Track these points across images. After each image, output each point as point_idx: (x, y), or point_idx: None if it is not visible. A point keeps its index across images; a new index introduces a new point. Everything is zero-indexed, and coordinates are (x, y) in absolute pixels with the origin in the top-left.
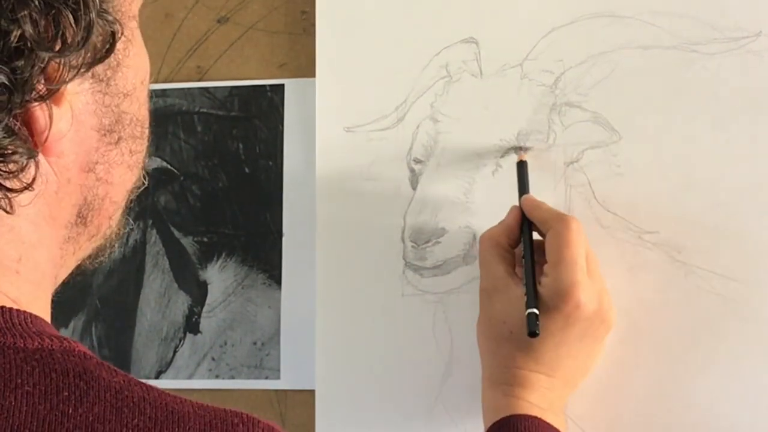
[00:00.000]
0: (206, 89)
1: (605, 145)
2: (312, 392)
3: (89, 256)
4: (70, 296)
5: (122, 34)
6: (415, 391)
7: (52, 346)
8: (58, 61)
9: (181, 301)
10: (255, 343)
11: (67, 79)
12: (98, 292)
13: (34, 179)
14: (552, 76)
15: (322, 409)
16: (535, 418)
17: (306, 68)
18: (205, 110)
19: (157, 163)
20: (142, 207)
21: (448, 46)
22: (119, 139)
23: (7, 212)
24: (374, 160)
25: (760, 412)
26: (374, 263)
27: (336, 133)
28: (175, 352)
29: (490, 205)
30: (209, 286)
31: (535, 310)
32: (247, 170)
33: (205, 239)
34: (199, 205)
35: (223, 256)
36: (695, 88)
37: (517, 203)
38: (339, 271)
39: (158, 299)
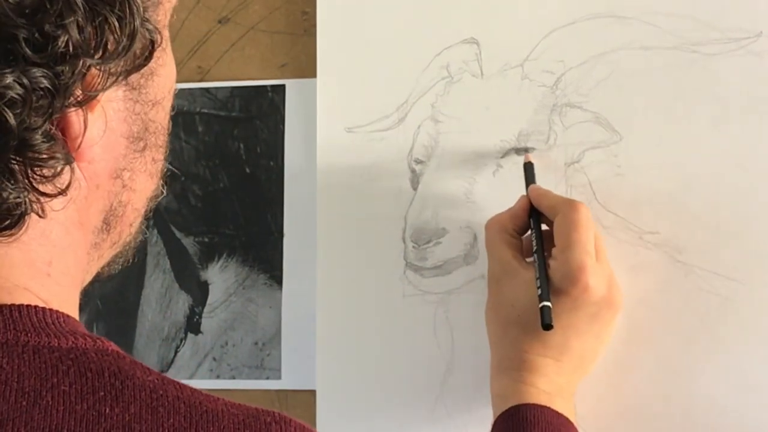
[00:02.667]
0: (207, 90)
1: (606, 145)
2: (313, 392)
3: (108, 263)
4: None
5: (160, 43)
6: (416, 392)
7: (86, 345)
8: (99, 67)
9: (182, 301)
10: (256, 344)
11: (106, 87)
12: (99, 292)
13: (68, 185)
14: (553, 77)
15: (323, 409)
16: (543, 406)
17: (307, 69)
18: (206, 111)
19: None
20: None
21: (449, 46)
22: (145, 147)
23: (39, 216)
24: (375, 161)
25: (760, 411)
26: (375, 263)
27: (337, 133)
28: (176, 352)
29: (491, 205)
30: (210, 286)
31: (549, 304)
32: (248, 170)
33: (206, 239)
34: (200, 206)
35: (224, 257)
36: (696, 89)
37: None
38: (340, 271)
39: (159, 299)
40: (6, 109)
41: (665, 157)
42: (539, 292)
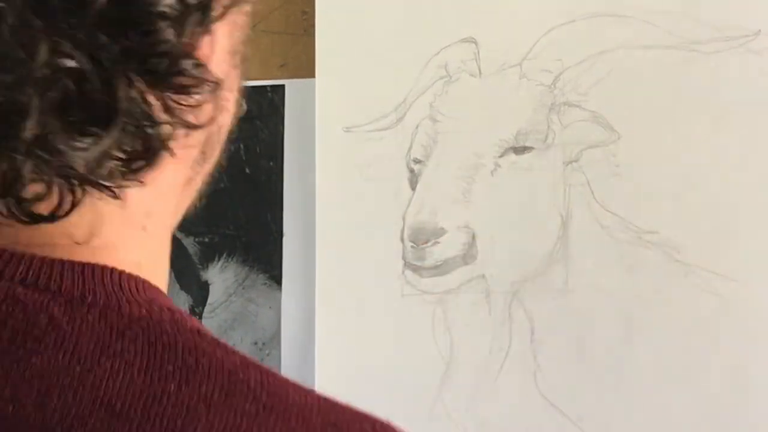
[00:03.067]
0: None
1: (604, 144)
2: None
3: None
4: None
5: None
6: (414, 391)
7: (161, 316)
8: None
9: (183, 301)
10: (256, 343)
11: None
12: None
13: (214, 116)
14: (551, 76)
15: None
16: None
17: (306, 69)
18: None
19: None
20: None
21: (447, 46)
22: (234, 68)
23: (172, 154)
24: (374, 160)
25: (759, 411)
26: (374, 263)
27: (336, 133)
28: None
29: (490, 204)
30: (210, 287)
31: None
32: (247, 171)
33: (206, 240)
34: (200, 206)
35: (224, 257)
36: (695, 88)
37: (515, 203)
38: (339, 271)
39: None
40: (168, 29)
41: (664, 156)
42: None
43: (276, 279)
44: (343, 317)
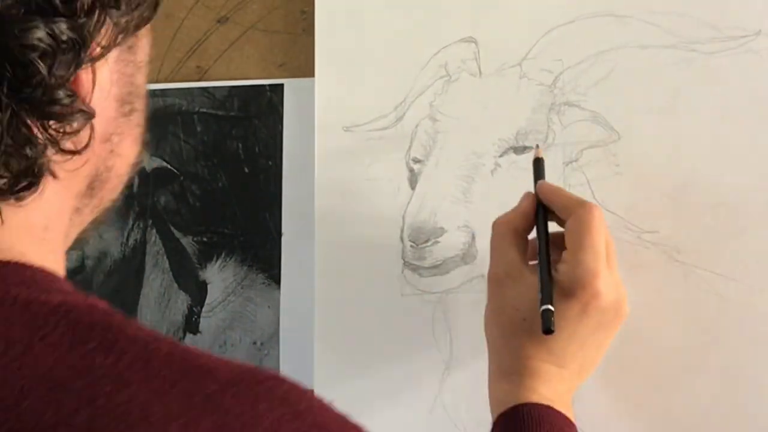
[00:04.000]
0: (206, 89)
1: (604, 144)
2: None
3: (83, 232)
4: None
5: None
6: (414, 391)
7: (76, 301)
8: (116, 20)
9: (181, 301)
10: (254, 343)
11: (119, 42)
12: (98, 292)
13: (88, 143)
14: (551, 76)
15: None
16: (547, 406)
17: (305, 68)
18: (204, 110)
19: (157, 163)
20: (142, 207)
21: (447, 45)
22: (131, 110)
23: (54, 177)
24: (373, 160)
25: (759, 411)
26: (373, 263)
27: (335, 132)
28: None
29: (489, 204)
30: (209, 286)
31: (551, 307)
32: (246, 170)
33: (205, 239)
34: (198, 205)
35: (223, 256)
36: (694, 88)
37: (515, 202)
38: (338, 271)
39: (158, 299)
40: (39, 61)
41: (664, 156)
42: (540, 294)
43: (275, 278)
44: (343, 317)
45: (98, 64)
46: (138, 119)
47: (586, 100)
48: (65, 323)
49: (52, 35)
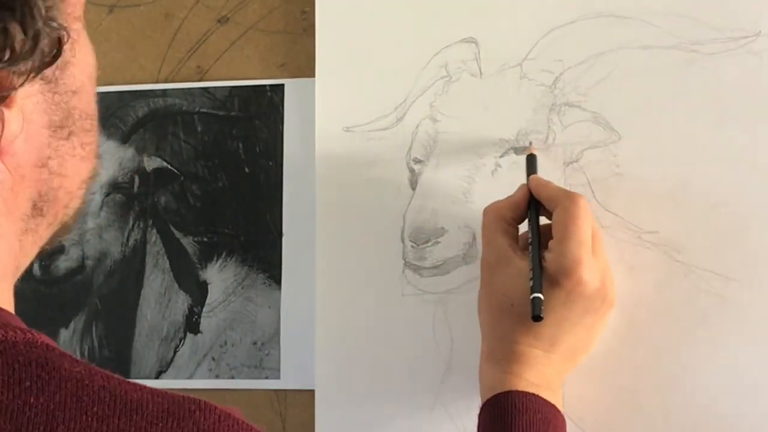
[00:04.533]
0: (206, 89)
1: (605, 145)
2: (312, 392)
3: (48, 242)
4: (70, 296)
5: (68, 38)
6: (415, 391)
7: (15, 337)
8: (7, 70)
9: (182, 301)
10: (255, 343)
11: (17, 86)
12: (98, 292)
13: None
14: (551, 76)
15: (322, 409)
16: (531, 394)
17: (306, 68)
18: (205, 110)
19: (158, 163)
20: (142, 207)
21: (447, 45)
22: (70, 133)
23: None
24: (374, 160)
25: (759, 411)
26: (374, 263)
27: (336, 132)
28: (175, 352)
29: None
30: (209, 286)
31: (540, 295)
32: (247, 170)
33: (206, 239)
34: (199, 205)
35: (223, 256)
36: (695, 88)
37: None
38: (339, 271)
39: (158, 299)
40: None
41: (664, 157)
42: (532, 283)
43: (275, 278)
44: (343, 317)
45: (22, 99)
46: (83, 139)
47: (587, 100)
48: (2, 362)
49: None
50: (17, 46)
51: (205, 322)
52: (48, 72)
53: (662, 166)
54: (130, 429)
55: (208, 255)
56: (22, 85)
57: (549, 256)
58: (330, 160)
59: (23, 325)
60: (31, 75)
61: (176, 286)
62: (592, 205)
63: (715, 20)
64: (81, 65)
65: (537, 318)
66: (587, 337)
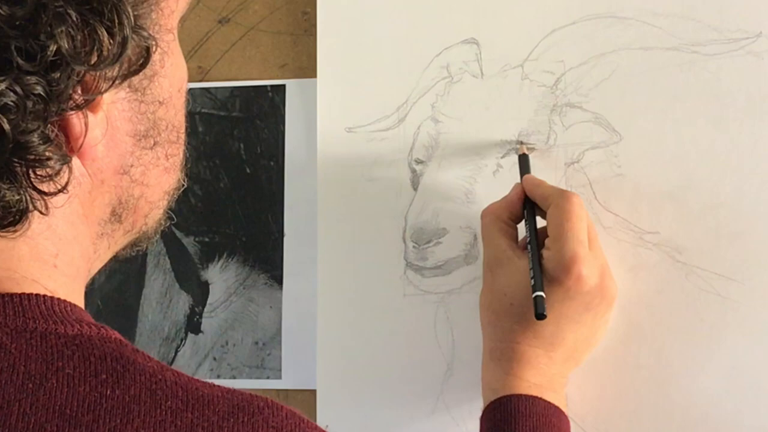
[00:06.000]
0: (207, 90)
1: (606, 145)
2: (313, 392)
3: (124, 248)
4: None
5: (157, 48)
6: (416, 391)
7: (90, 332)
8: (93, 73)
9: (183, 301)
10: (256, 343)
11: (103, 90)
12: (100, 292)
13: (67, 183)
14: (553, 77)
15: (324, 409)
16: (534, 397)
17: (307, 69)
18: (206, 111)
19: None
20: None
21: (449, 46)
22: (155, 143)
23: (42, 213)
24: (375, 161)
25: (760, 411)
26: (375, 263)
27: (337, 133)
28: (176, 352)
29: None
30: (211, 286)
31: (542, 294)
32: (248, 170)
33: (207, 239)
34: (200, 206)
35: (225, 256)
36: (695, 89)
37: None
38: (340, 271)
39: (160, 299)
40: (0, 115)
41: (665, 157)
42: (533, 282)
43: (277, 279)
44: (345, 317)
45: (108, 105)
46: (167, 150)
47: (588, 101)
48: (79, 356)
49: (15, 91)
50: (104, 51)
51: (206, 322)
52: (135, 80)
53: (663, 166)
54: (202, 423)
55: (209, 255)
56: (107, 90)
57: (546, 254)
58: (331, 161)
59: (95, 322)
60: (117, 81)
61: (177, 286)
62: (594, 206)
63: (716, 21)
64: (170, 77)
65: (540, 316)
66: (588, 334)
